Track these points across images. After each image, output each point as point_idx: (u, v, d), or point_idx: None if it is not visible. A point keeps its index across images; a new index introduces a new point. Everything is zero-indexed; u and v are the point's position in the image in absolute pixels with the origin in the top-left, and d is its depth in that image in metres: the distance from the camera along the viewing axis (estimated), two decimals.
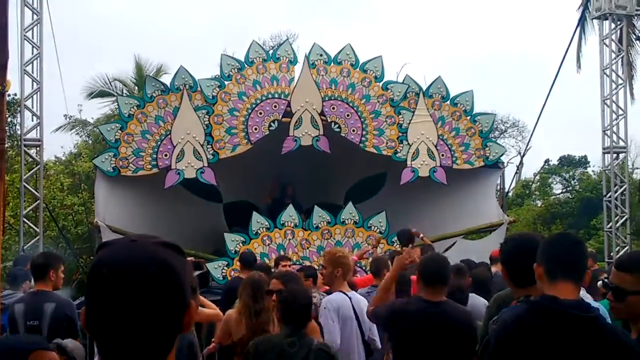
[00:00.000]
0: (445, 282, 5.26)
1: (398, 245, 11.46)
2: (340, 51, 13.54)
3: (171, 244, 1.66)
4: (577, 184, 35.48)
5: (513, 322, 3.18)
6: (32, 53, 13.47)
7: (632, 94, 20.75)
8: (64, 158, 25.16)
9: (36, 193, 13.49)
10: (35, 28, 13.52)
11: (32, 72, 13.40)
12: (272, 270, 8.50)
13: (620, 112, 15.61)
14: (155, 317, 1.56)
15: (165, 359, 1.60)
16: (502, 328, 3.22)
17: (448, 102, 13.83)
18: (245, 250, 11.43)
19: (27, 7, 13.43)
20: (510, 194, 27.84)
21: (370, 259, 10.04)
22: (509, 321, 3.21)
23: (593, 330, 3.05)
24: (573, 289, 3.17)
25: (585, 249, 3.35)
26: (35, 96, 13.44)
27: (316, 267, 9.44)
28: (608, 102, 15.55)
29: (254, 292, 6.03)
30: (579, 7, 19.61)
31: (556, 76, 15.72)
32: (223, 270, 12.17)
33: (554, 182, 38.22)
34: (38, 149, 13.64)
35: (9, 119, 15.29)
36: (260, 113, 13.08)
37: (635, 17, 18.19)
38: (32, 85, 13.44)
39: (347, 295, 6.50)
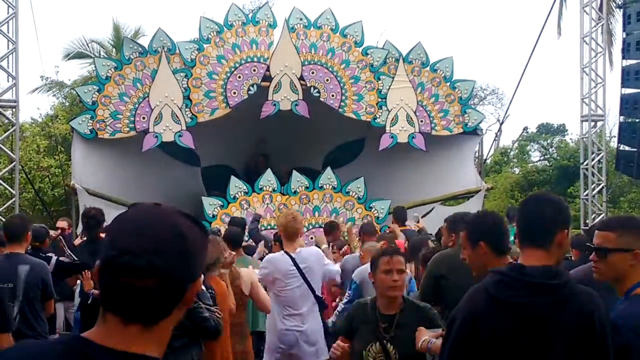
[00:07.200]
0: None
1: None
2: (320, 15, 13.45)
3: (190, 216, 1.76)
4: (554, 151, 35.59)
5: (480, 296, 3.11)
6: (8, 13, 13.22)
7: (611, 62, 20.84)
8: (40, 120, 24.93)
9: (12, 155, 13.33)
10: None
11: (8, 32, 13.17)
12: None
13: (599, 80, 15.61)
14: (157, 279, 1.59)
15: (159, 323, 1.63)
16: (469, 303, 3.13)
17: (428, 68, 13.81)
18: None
19: None
20: (488, 161, 27.91)
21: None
22: (475, 296, 3.13)
23: (560, 297, 3.02)
24: (540, 255, 3.11)
25: (551, 210, 3.20)
26: (10, 56, 13.21)
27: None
28: (587, 70, 15.55)
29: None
30: None
31: (536, 43, 15.75)
32: None
33: (532, 150, 38.39)
34: (14, 110, 13.45)
35: None
36: (239, 77, 12.99)
37: None
38: (8, 45, 13.22)
39: (288, 254, 6.83)
